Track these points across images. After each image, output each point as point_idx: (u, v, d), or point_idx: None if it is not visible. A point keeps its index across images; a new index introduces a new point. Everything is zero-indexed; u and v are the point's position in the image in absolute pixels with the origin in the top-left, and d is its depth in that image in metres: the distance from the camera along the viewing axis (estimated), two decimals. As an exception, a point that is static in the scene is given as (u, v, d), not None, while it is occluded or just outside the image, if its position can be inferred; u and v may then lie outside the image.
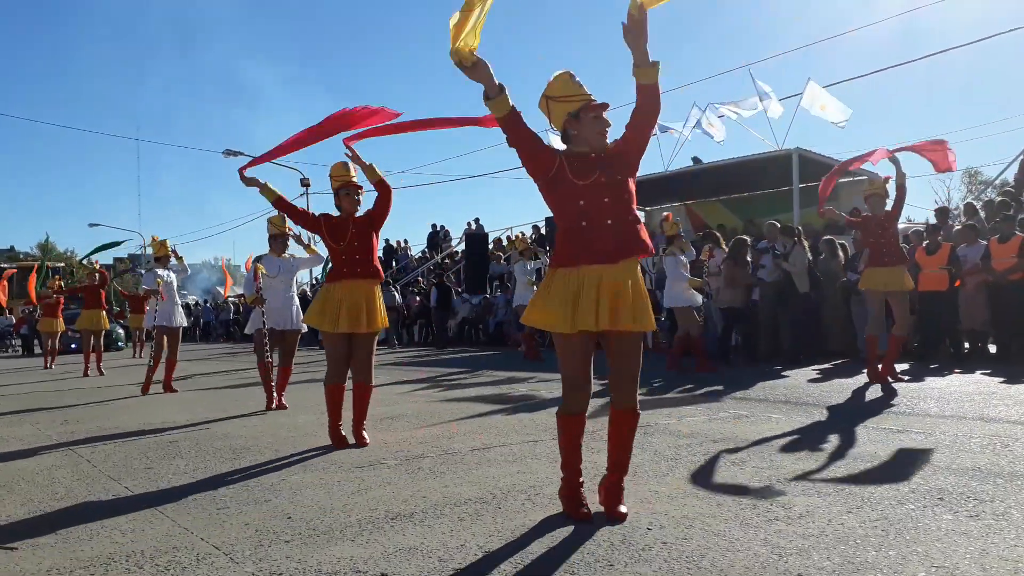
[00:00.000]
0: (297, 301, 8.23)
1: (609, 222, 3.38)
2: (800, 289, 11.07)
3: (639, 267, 3.52)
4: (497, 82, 3.31)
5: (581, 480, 3.56)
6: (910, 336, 9.62)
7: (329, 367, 5.73)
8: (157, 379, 10.19)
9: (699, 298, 10.37)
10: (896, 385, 7.86)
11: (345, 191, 5.70)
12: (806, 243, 11.47)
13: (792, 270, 11.11)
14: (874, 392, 7.43)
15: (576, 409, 3.49)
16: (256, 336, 8.04)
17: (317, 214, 5.91)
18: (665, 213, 11.17)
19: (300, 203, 6.98)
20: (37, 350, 27.93)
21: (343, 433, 5.61)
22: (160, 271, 10.27)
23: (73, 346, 23.97)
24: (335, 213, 5.84)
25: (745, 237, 12.01)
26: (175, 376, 10.45)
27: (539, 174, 3.46)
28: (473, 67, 3.27)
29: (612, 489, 3.52)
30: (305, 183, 32.44)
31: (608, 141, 3.49)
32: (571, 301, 3.34)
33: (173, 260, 10.56)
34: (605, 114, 3.47)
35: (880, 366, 8.10)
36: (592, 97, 3.45)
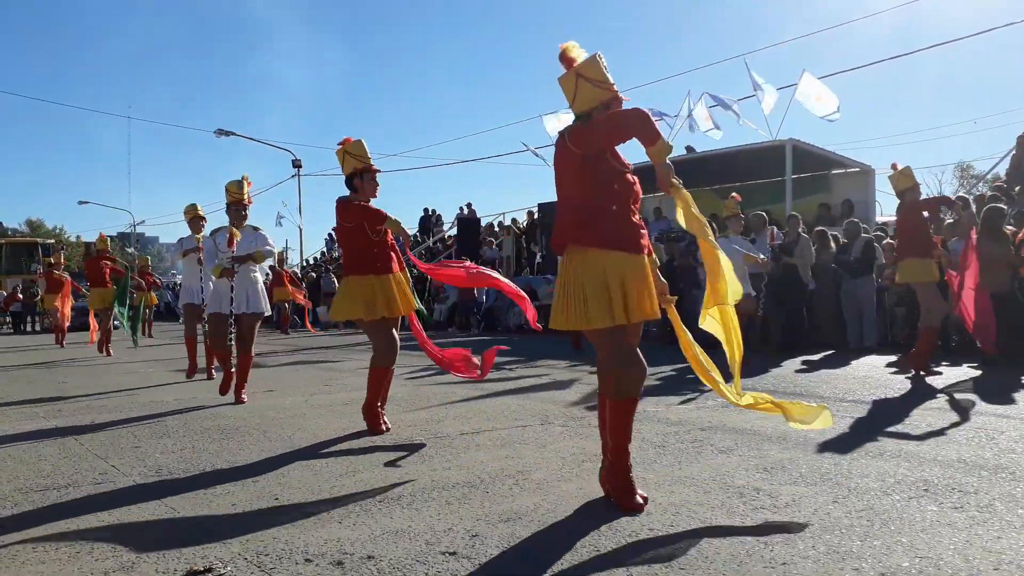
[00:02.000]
0: (259, 280, 7.37)
1: (635, 217, 3.47)
2: (804, 281, 11.04)
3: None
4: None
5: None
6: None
7: (385, 350, 5.44)
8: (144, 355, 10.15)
9: (750, 288, 9.69)
10: (886, 377, 7.90)
11: (369, 176, 5.45)
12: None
13: (798, 262, 11.04)
14: (862, 384, 7.47)
15: (639, 391, 3.48)
16: (212, 320, 7.30)
17: (356, 202, 5.49)
18: (733, 194, 10.10)
19: (292, 184, 6.54)
20: (29, 328, 27.62)
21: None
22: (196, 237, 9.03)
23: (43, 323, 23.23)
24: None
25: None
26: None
27: (604, 148, 3.40)
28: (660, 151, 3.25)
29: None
30: (297, 164, 32.33)
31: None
32: (609, 295, 3.32)
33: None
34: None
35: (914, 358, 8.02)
36: (618, 91, 3.47)
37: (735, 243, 9.65)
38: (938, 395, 6.57)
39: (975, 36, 45.13)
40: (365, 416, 5.40)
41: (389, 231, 5.52)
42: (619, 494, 3.41)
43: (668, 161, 3.29)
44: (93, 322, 14.55)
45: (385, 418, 5.49)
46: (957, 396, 6.49)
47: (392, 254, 5.57)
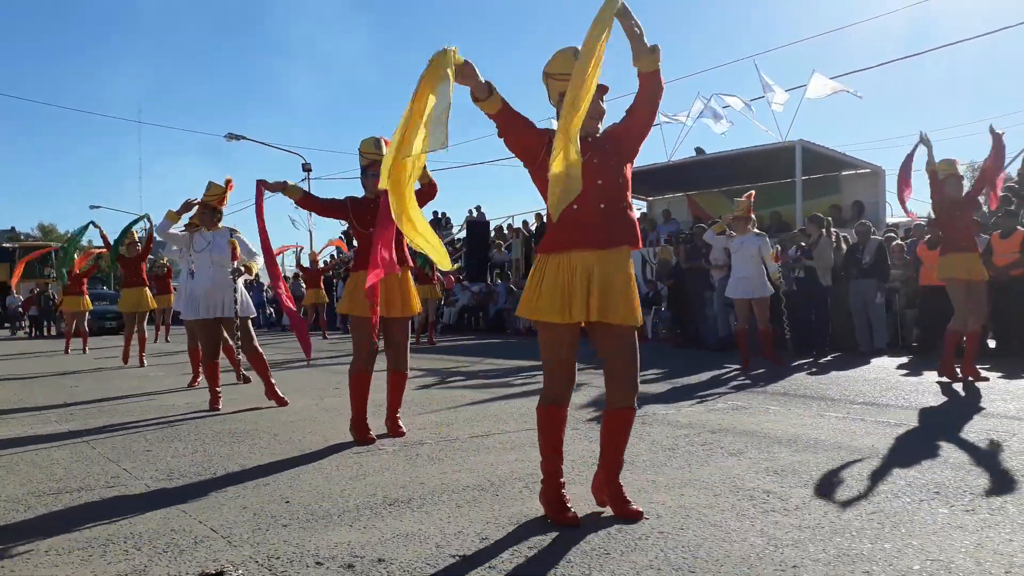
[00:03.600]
0: (238, 284, 7.25)
1: (602, 206, 3.26)
2: (824, 283, 10.94)
3: (639, 258, 3.47)
4: (484, 81, 3.21)
5: (563, 480, 3.39)
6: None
7: (357, 355, 5.34)
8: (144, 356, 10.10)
9: (771, 289, 9.59)
10: (897, 379, 7.86)
11: (373, 171, 5.24)
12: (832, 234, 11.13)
13: (817, 265, 10.93)
14: (872, 386, 7.44)
15: (562, 400, 3.36)
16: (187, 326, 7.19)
17: (343, 197, 5.60)
18: (749, 192, 10.02)
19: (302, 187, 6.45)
20: (53, 332, 27.21)
21: (370, 426, 5.31)
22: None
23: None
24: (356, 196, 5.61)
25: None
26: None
27: (529, 158, 3.34)
28: (459, 72, 3.14)
29: (616, 489, 3.38)
30: (307, 168, 32.40)
31: (601, 126, 3.41)
32: (562, 290, 3.22)
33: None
34: (602, 101, 3.37)
35: (959, 364, 7.59)
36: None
37: (755, 243, 9.50)
38: (948, 397, 6.54)
39: (985, 36, 44.89)
40: (352, 428, 5.28)
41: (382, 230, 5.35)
42: (542, 503, 3.34)
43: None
44: (128, 335, 12.36)
45: (401, 423, 5.43)
46: (969, 398, 6.46)
47: (399, 250, 5.28)
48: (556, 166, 2.92)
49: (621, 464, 3.45)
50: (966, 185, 8.13)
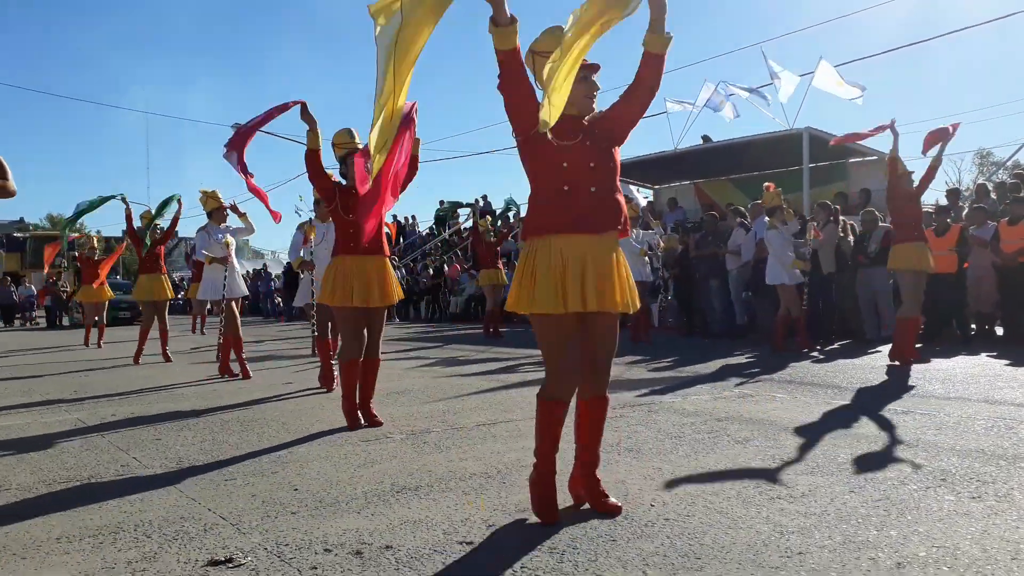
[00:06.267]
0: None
1: (593, 189, 3.15)
2: (824, 269, 10.92)
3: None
4: (509, 11, 2.98)
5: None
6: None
7: (345, 343, 5.48)
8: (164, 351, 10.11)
9: (800, 277, 9.82)
10: (902, 367, 7.86)
11: (351, 159, 5.29)
12: (843, 221, 11.14)
13: (821, 252, 10.92)
14: (879, 373, 7.44)
15: (567, 395, 3.21)
16: (307, 310, 7.89)
17: (334, 180, 5.70)
18: (767, 184, 10.21)
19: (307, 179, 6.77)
20: (63, 322, 26.51)
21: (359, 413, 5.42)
22: (219, 231, 8.83)
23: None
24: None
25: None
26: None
27: (521, 128, 3.16)
28: None
29: (593, 482, 3.30)
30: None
31: (596, 107, 3.28)
32: (558, 280, 3.08)
33: (235, 219, 9.06)
34: (595, 77, 3.25)
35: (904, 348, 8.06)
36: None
37: (780, 239, 9.72)
38: (955, 384, 6.53)
39: (993, 22, 44.53)
40: (344, 411, 5.41)
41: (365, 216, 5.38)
42: (532, 498, 3.21)
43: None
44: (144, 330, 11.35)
45: (375, 412, 5.47)
46: (975, 386, 6.45)
47: (376, 236, 5.31)
48: (561, 76, 2.74)
49: (599, 458, 3.36)
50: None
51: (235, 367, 8.54)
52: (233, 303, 8.59)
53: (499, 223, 14.61)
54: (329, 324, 7.43)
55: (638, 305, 3.26)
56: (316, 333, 7.39)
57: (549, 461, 3.24)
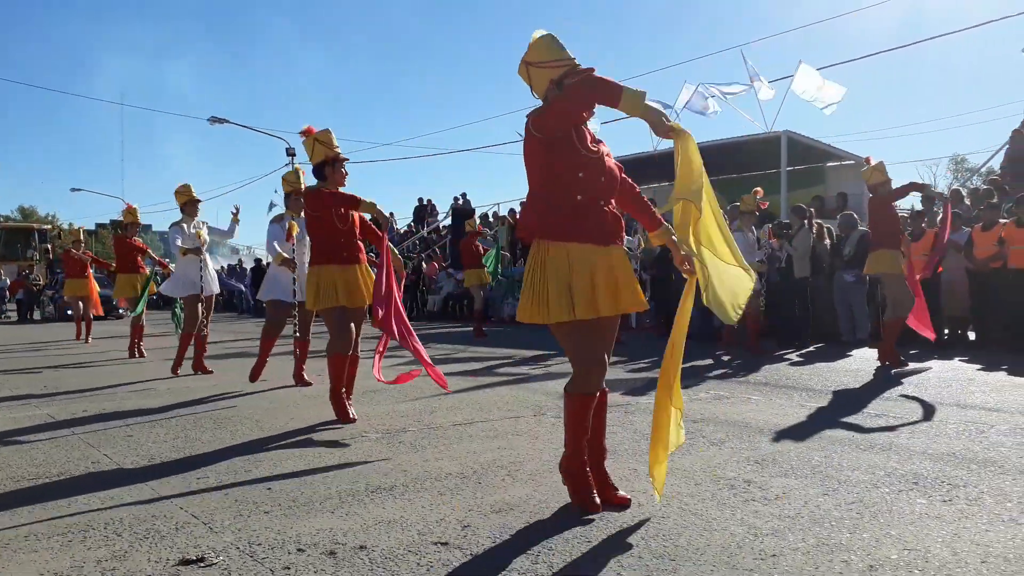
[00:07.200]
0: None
1: (601, 203, 3.25)
2: (798, 273, 10.99)
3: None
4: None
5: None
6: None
7: (333, 339, 5.50)
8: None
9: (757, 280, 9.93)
10: (878, 370, 7.93)
11: (339, 164, 5.46)
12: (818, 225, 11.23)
13: (794, 253, 11.02)
14: (854, 376, 7.50)
15: (599, 387, 3.29)
16: (279, 308, 7.53)
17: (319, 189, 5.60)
18: (756, 188, 10.24)
19: (285, 171, 7.00)
20: (36, 316, 26.21)
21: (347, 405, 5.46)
22: (192, 224, 8.75)
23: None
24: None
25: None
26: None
27: (549, 130, 3.15)
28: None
29: (602, 475, 3.40)
30: (291, 152, 32.19)
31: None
32: (567, 289, 3.15)
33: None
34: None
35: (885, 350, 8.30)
36: (576, 62, 3.24)
37: (743, 241, 9.73)
38: (928, 389, 6.60)
39: (970, 29, 45.11)
40: (332, 405, 5.46)
41: (356, 220, 5.57)
42: (574, 491, 3.30)
43: (651, 103, 2.97)
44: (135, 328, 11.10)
45: (352, 409, 5.50)
46: (947, 390, 6.52)
47: (360, 244, 5.64)
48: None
49: (606, 450, 3.48)
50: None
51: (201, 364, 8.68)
52: (200, 301, 8.60)
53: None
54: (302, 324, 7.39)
55: (640, 307, 3.40)
56: (297, 334, 7.33)
57: (583, 453, 3.32)
